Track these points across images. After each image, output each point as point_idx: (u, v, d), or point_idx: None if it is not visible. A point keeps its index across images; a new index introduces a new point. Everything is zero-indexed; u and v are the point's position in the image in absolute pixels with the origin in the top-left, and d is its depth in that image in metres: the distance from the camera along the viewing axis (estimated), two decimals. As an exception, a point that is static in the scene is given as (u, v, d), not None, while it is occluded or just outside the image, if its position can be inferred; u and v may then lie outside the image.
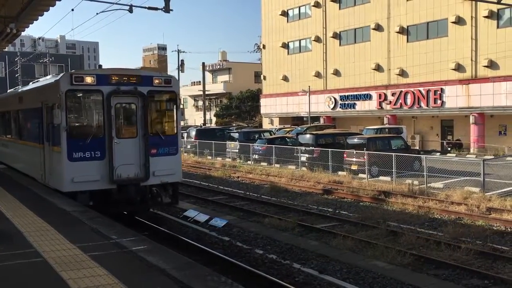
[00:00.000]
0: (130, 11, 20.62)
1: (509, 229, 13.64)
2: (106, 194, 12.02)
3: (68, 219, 9.50)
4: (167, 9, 19.82)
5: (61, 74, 12.17)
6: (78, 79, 11.64)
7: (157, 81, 12.72)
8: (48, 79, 14.67)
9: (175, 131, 13.24)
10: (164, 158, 12.74)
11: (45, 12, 17.01)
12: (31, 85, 16.38)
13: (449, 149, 37.94)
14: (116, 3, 20.38)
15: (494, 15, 35.76)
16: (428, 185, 19.64)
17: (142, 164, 12.38)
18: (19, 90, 18.80)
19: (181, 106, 16.21)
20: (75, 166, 11.65)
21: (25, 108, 15.73)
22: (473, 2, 31.21)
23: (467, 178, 19.57)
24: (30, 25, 19.02)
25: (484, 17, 36.17)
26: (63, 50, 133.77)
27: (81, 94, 12.22)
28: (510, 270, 10.22)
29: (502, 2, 23.16)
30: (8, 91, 24.90)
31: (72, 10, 23.45)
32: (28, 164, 15.65)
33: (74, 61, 77.94)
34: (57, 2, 15.78)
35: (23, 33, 21.39)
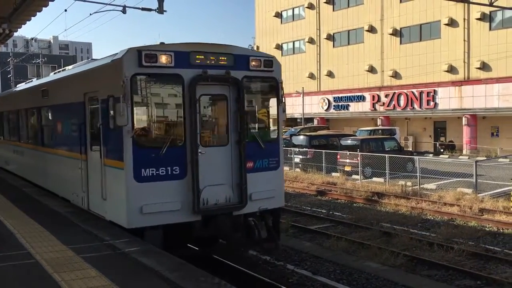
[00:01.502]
0: (124, 12, 20.56)
1: (501, 230, 13.73)
2: (185, 230, 8.44)
3: (61, 221, 9.45)
4: (160, 10, 19.78)
5: (123, 51, 8.23)
6: (150, 58, 8.03)
7: (254, 62, 9.03)
8: (91, 61, 10.94)
9: (277, 136, 9.59)
10: (263, 175, 9.12)
11: (38, 13, 16.91)
12: (62, 73, 12.54)
13: (442, 150, 38.15)
14: (110, 4, 20.32)
15: (486, 17, 36.01)
16: (421, 186, 19.73)
17: (235, 183, 8.74)
18: (40, 82, 14.53)
19: (283, 100, 9.75)
20: (144, 189, 8.02)
21: (54, 105, 11.80)
22: (466, 4, 31.38)
23: (460, 179, 19.68)
24: (23, 25, 18.90)
25: (477, 19, 36.42)
26: (56, 50, 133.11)
27: (153, 81, 8.53)
28: (503, 271, 10.29)
29: (494, 4, 23.32)
30: (18, 85, 19.68)
31: (65, 10, 23.39)
32: (56, 180, 11.89)
33: (67, 61, 77.62)
34: (50, 2, 15.69)
35: (15, 34, 21.26)
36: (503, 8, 28.71)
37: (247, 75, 8.94)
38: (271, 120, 9.67)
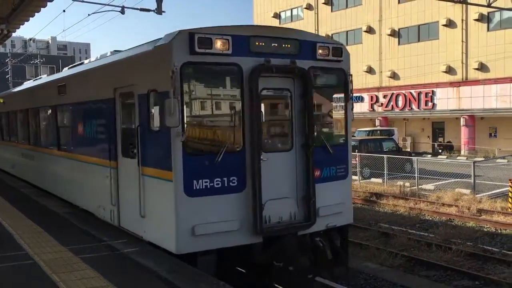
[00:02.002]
0: (122, 12, 20.56)
1: (499, 231, 13.75)
2: (243, 254, 7.07)
3: (59, 221, 9.44)
4: (159, 10, 19.77)
5: (170, 35, 6.81)
6: (204, 43, 6.58)
7: (321, 50, 7.62)
8: (115, 53, 9.34)
9: (345, 139, 8.20)
10: (331, 186, 7.78)
11: (36, 13, 16.90)
12: (83, 66, 10.87)
13: (440, 151, 38.23)
14: (108, 5, 20.32)
15: (484, 18, 36.09)
16: (419, 186, 19.76)
17: (301, 196, 7.39)
18: (55, 77, 12.85)
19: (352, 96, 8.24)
20: (197, 206, 6.65)
21: (74, 103, 10.36)
22: (464, 5, 31.44)
23: (458, 180, 19.72)
24: (21, 26, 18.89)
25: (475, 20, 36.49)
26: (54, 51, 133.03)
27: (206, 72, 7.04)
28: (501, 271, 10.30)
29: (492, 5, 23.37)
30: (25, 83, 17.96)
31: (64, 11, 23.39)
32: (76, 189, 10.47)
33: (65, 62, 77.60)
34: (48, 3, 15.69)
35: (14, 34, 21.24)
36: (501, 9, 28.76)
37: (313, 65, 7.52)
38: (339, 120, 8.32)
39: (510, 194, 15.89)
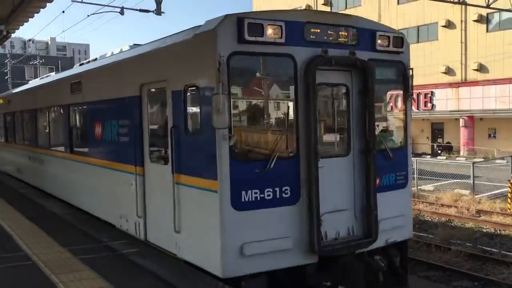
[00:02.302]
0: (122, 13, 20.56)
1: (498, 231, 13.76)
2: (296, 276, 6.20)
3: (58, 222, 9.43)
4: (158, 11, 19.78)
5: (214, 20, 5.94)
6: (254, 30, 5.70)
7: (381, 40, 6.75)
8: (152, 43, 7.96)
9: (405, 142, 7.41)
10: (391, 195, 6.88)
11: (35, 14, 16.91)
12: (102, 61, 9.85)
13: (439, 152, 38.23)
14: (107, 5, 20.33)
15: (483, 19, 36.11)
16: (419, 187, 19.76)
17: (359, 208, 6.57)
18: (68, 74, 11.81)
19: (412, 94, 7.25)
20: (246, 221, 5.78)
21: (90, 101, 9.46)
22: (463, 6, 31.48)
23: (457, 180, 19.72)
24: (21, 27, 18.89)
25: (474, 21, 36.50)
26: (53, 52, 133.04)
27: (256, 64, 6.20)
28: (500, 272, 10.31)
29: (491, 6, 23.40)
30: (30, 82, 17.18)
31: (63, 12, 23.37)
32: (93, 197, 9.59)
33: (64, 63, 77.62)
34: (47, 4, 15.70)
35: (13, 35, 21.23)
36: (500, 10, 28.79)
37: (372, 57, 6.61)
38: (399, 121, 7.50)
39: (509, 195, 15.91)
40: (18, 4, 14.92)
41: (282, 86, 6.51)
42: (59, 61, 78.20)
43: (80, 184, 10.13)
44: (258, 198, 5.81)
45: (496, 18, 35.68)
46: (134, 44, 9.02)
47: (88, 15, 37.50)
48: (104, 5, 20.36)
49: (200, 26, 6.23)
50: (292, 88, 6.11)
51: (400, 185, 7.09)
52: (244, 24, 5.62)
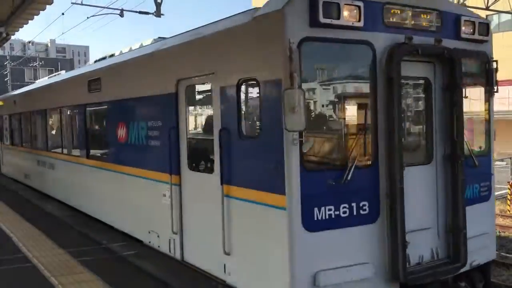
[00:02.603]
0: (121, 15, 20.58)
1: (498, 233, 13.76)
2: None
3: (58, 224, 9.43)
4: (158, 13, 19.80)
5: None
6: (330, 10, 4.75)
7: (466, 27, 5.78)
8: (191, 32, 6.84)
9: (488, 147, 6.68)
10: (475, 210, 5.84)
11: (35, 16, 16.93)
12: (125, 55, 8.85)
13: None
14: (107, 7, 20.34)
15: (482, 21, 36.18)
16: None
17: (443, 226, 5.60)
18: (84, 70, 10.94)
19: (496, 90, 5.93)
20: (319, 244, 4.84)
21: (113, 100, 8.50)
22: (462, 8, 31.48)
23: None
24: (20, 28, 18.91)
25: (473, 22, 36.57)
26: (53, 54, 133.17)
27: (329, 53, 5.17)
28: (499, 274, 10.32)
29: (490, 8, 23.43)
30: (37, 81, 16.41)
31: (63, 14, 23.40)
32: (116, 208, 8.58)
33: (64, 65, 77.69)
34: (47, 6, 15.72)
35: (13, 37, 21.25)
36: (499, 12, 28.84)
37: (457, 46, 5.58)
38: (481, 122, 6.66)
39: (509, 196, 15.92)
40: (18, 6, 14.93)
41: (358, 80, 5.50)
42: (59, 63, 78.26)
43: (98, 192, 9.24)
44: (333, 216, 4.84)
45: (495, 20, 35.73)
46: (159, 37, 8.24)
47: (87, 17, 37.37)
48: (104, 7, 20.38)
49: (254, 9, 5.36)
50: (370, 82, 5.11)
51: (483, 198, 6.13)
52: (319, 3, 4.64)
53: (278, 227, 4.79)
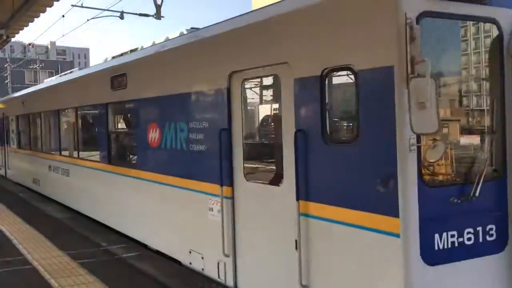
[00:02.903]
0: (121, 17, 20.60)
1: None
2: None
3: (58, 226, 9.43)
4: (158, 15, 19.83)
5: None
6: None
7: None
8: (246, 15, 5.89)
9: None
10: None
11: (35, 19, 16.96)
12: (158, 46, 7.77)
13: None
14: (107, 10, 20.37)
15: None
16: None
17: None
18: (105, 66, 9.52)
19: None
20: (440, 281, 3.80)
21: (143, 98, 7.44)
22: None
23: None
24: (21, 31, 18.95)
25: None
26: (53, 56, 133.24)
27: (448, 32, 4.24)
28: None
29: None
30: (46, 80, 15.38)
31: (63, 16, 23.41)
32: (149, 223, 7.43)
33: (64, 67, 77.73)
34: (47, 8, 15.74)
35: (13, 39, 21.28)
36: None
37: None
38: None
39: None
40: (18, 9, 14.97)
41: (482, 65, 4.48)
42: (59, 65, 78.33)
43: (124, 202, 8.13)
44: (456, 244, 3.82)
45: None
46: (192, 28, 7.29)
47: (88, 19, 37.39)
48: (104, 10, 20.42)
49: None
50: (497, 68, 4.11)
51: None
52: None
53: (387, 258, 3.75)
